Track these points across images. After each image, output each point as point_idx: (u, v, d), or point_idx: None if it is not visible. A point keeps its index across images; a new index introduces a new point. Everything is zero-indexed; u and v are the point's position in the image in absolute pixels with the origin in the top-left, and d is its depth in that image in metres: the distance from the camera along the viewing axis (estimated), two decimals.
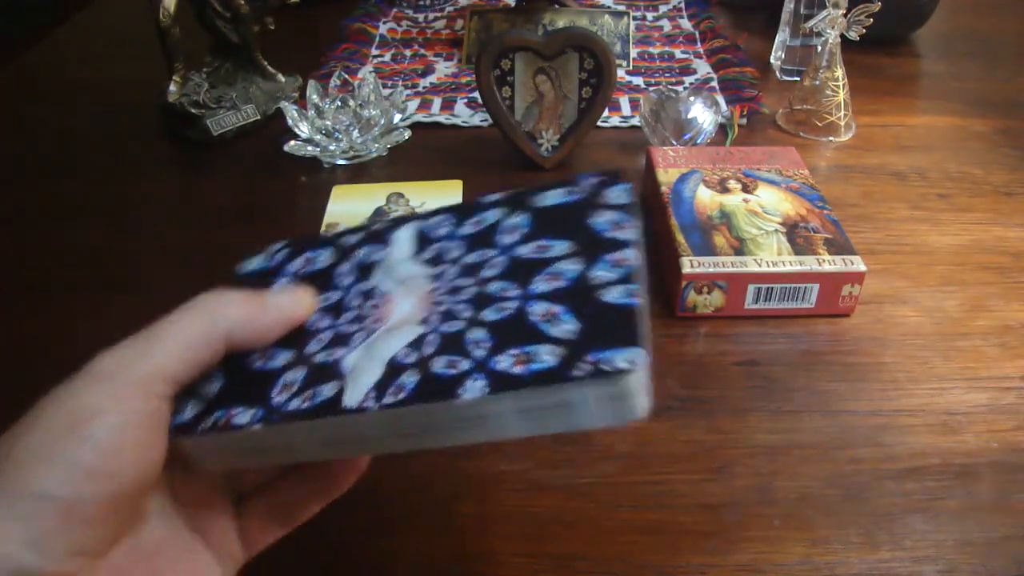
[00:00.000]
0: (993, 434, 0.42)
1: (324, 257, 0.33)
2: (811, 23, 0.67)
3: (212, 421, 0.27)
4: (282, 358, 0.28)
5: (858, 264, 0.49)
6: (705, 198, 0.54)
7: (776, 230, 0.51)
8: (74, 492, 0.23)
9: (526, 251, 0.29)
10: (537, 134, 0.65)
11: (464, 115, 0.74)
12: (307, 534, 0.31)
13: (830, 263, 0.48)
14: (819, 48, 0.68)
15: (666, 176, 0.57)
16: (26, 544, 0.22)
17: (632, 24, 0.86)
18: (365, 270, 0.31)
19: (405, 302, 0.29)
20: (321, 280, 0.32)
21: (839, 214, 0.53)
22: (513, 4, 0.90)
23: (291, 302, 0.30)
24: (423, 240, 0.31)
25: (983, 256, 0.56)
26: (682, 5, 0.99)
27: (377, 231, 0.33)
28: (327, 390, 0.26)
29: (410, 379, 0.25)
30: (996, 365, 0.47)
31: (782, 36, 0.80)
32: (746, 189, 0.55)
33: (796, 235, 0.51)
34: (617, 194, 0.32)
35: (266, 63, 0.75)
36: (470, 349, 0.25)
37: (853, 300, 0.50)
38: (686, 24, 0.94)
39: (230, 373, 0.28)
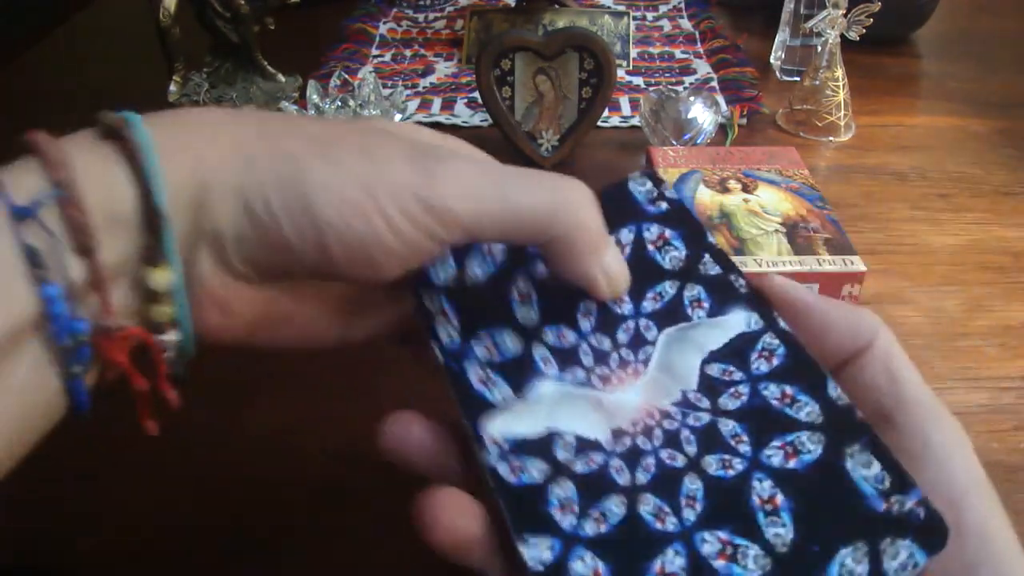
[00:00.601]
0: (993, 434, 0.42)
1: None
2: (811, 23, 0.67)
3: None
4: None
5: (858, 264, 0.49)
6: (705, 198, 0.54)
7: (776, 230, 0.51)
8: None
9: (772, 393, 0.24)
10: (537, 134, 0.65)
11: (464, 115, 0.74)
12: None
13: (830, 263, 0.48)
14: (819, 48, 0.68)
15: (666, 176, 0.57)
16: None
17: (632, 24, 0.86)
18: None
19: (636, 389, 0.25)
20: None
21: (839, 214, 0.53)
22: (513, 4, 0.90)
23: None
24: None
25: (983, 256, 0.56)
26: (682, 5, 0.99)
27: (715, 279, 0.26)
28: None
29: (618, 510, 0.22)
30: (996, 365, 0.47)
31: (782, 36, 0.80)
32: (746, 189, 0.55)
33: (796, 235, 0.51)
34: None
35: (266, 63, 0.75)
36: (683, 505, 0.22)
37: (853, 300, 0.50)
38: (686, 24, 0.94)
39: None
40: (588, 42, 0.61)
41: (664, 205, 0.27)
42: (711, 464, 0.23)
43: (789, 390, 0.23)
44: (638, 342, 0.25)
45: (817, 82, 0.69)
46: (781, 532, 0.21)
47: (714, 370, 0.24)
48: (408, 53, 0.87)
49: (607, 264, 0.25)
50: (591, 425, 0.24)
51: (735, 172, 0.57)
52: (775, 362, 0.24)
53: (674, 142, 0.66)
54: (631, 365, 0.25)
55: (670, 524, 0.22)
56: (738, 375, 0.24)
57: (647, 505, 0.22)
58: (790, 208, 0.53)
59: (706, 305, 0.25)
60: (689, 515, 0.22)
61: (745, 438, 0.23)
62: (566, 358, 0.25)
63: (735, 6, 0.98)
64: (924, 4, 0.85)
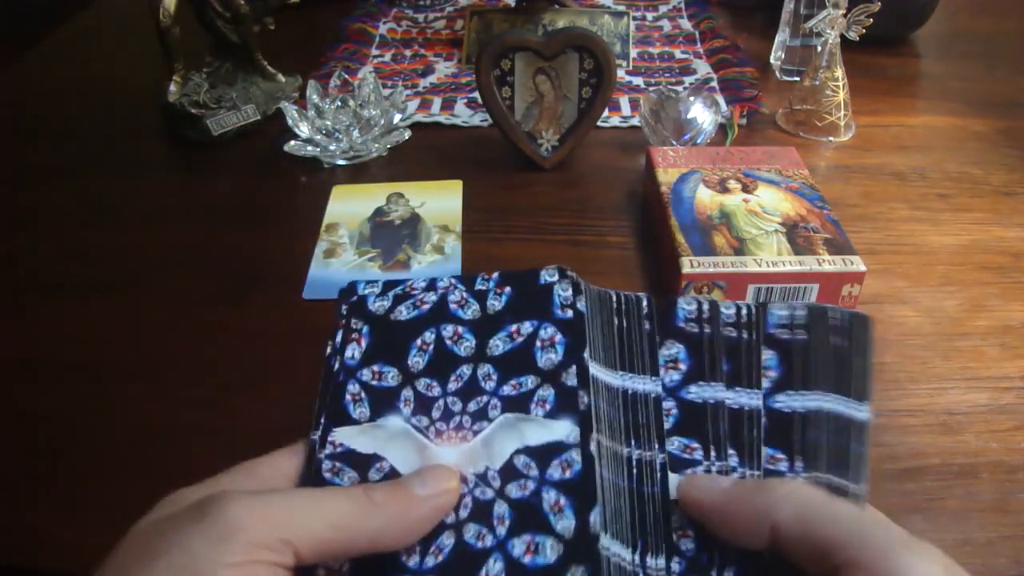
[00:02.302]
0: (993, 434, 0.42)
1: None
2: (811, 23, 0.67)
3: None
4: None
5: (858, 264, 0.49)
6: (705, 198, 0.54)
7: (776, 230, 0.51)
8: None
9: (549, 498, 0.27)
10: (537, 134, 0.65)
11: (464, 115, 0.74)
12: None
13: (830, 263, 0.48)
14: (819, 48, 0.68)
15: (666, 176, 0.57)
16: None
17: (632, 24, 0.86)
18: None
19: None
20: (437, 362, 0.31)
21: (839, 214, 0.53)
22: (513, 4, 0.90)
23: (444, 497, 0.27)
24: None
25: (983, 256, 0.56)
26: (682, 5, 0.99)
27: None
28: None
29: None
30: (996, 365, 0.47)
31: (782, 36, 0.80)
32: (746, 189, 0.55)
33: (796, 235, 0.51)
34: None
35: (266, 63, 0.75)
36: (495, 525, 0.26)
37: (853, 300, 0.50)
38: (686, 24, 0.94)
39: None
40: (588, 42, 0.61)
41: (570, 313, 0.30)
42: (469, 532, 0.26)
43: (560, 500, 0.26)
44: (481, 416, 0.29)
45: (817, 82, 0.69)
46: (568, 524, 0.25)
47: (519, 461, 0.27)
48: (408, 53, 0.87)
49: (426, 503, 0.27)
50: (407, 463, 0.28)
51: (735, 172, 0.57)
52: (567, 475, 0.27)
53: (674, 142, 0.66)
54: (464, 431, 0.28)
55: (412, 561, 0.26)
56: (533, 471, 0.27)
57: (471, 532, 0.26)
58: (790, 208, 0.53)
59: (548, 407, 0.28)
60: (428, 562, 0.26)
61: (508, 523, 0.26)
62: (423, 405, 0.29)
63: (735, 6, 0.98)
64: (924, 4, 0.85)
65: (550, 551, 0.25)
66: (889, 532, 0.24)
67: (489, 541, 0.26)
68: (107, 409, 0.45)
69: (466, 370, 0.30)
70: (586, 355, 0.29)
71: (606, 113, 0.72)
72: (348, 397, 0.30)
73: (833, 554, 0.23)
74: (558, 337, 0.30)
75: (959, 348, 0.48)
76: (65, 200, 0.64)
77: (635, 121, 0.72)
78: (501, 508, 0.27)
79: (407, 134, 0.70)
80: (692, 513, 0.27)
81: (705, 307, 0.31)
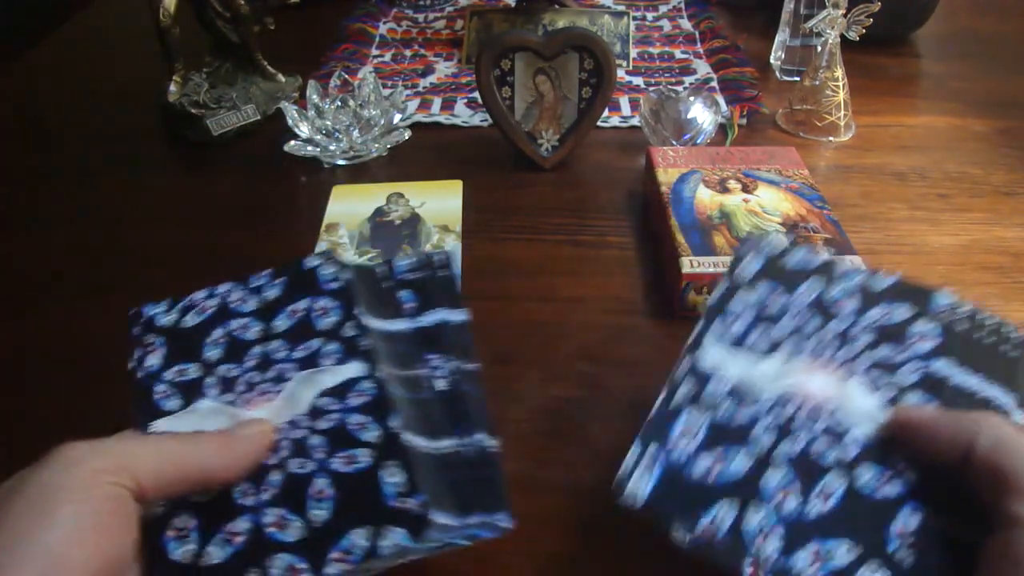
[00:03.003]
0: None
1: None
2: (811, 23, 0.67)
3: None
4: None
5: (858, 264, 0.49)
6: (705, 198, 0.54)
7: (776, 230, 0.51)
8: None
9: (353, 420, 0.32)
10: (537, 134, 0.65)
11: (464, 115, 0.74)
12: None
13: None
14: (819, 48, 0.68)
15: (666, 176, 0.57)
16: None
17: (632, 24, 0.86)
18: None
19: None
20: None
21: (839, 214, 0.53)
22: (513, 4, 0.90)
23: (259, 432, 0.31)
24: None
25: (983, 256, 0.56)
26: (682, 5, 0.99)
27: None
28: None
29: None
30: None
31: (782, 36, 0.80)
32: (746, 189, 0.55)
33: (796, 235, 0.51)
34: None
35: (266, 63, 0.75)
36: (260, 489, 0.30)
37: None
38: (686, 24, 0.94)
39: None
40: (588, 42, 0.61)
41: (334, 284, 0.36)
42: (292, 464, 0.31)
43: (363, 419, 0.31)
44: (280, 379, 0.33)
45: (817, 82, 0.69)
46: (320, 514, 0.29)
47: (321, 402, 0.32)
48: (408, 53, 0.88)
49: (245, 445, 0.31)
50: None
51: (735, 172, 0.57)
52: (363, 400, 0.32)
53: (674, 142, 0.66)
54: (268, 394, 0.33)
55: (249, 500, 0.30)
56: (335, 406, 0.32)
57: (239, 486, 0.30)
58: (790, 208, 0.53)
59: (336, 357, 0.34)
60: (263, 496, 0.30)
61: (324, 449, 0.31)
62: (227, 385, 0.34)
63: (735, 6, 0.98)
64: (924, 4, 0.85)
65: (366, 457, 0.30)
66: None
67: (311, 466, 0.30)
68: (107, 409, 0.45)
69: (258, 349, 0.34)
70: (357, 311, 0.35)
71: (606, 113, 0.72)
72: (157, 396, 0.34)
73: (1011, 482, 0.26)
74: (330, 304, 0.35)
75: None
76: (65, 200, 0.64)
77: (635, 121, 0.72)
78: (315, 440, 0.31)
79: (407, 134, 0.70)
80: (900, 432, 0.30)
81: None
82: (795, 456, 0.30)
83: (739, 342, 0.34)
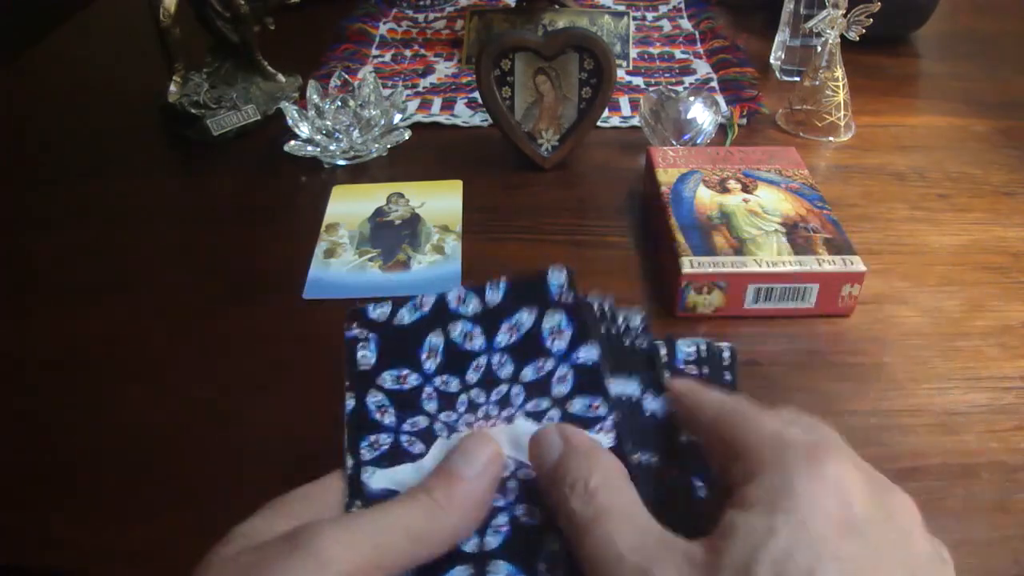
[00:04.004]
0: (993, 434, 0.42)
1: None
2: (811, 23, 0.67)
3: None
4: None
5: (858, 264, 0.49)
6: (705, 198, 0.54)
7: (776, 230, 0.51)
8: None
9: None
10: (537, 134, 0.65)
11: (464, 115, 0.74)
12: None
13: (830, 263, 0.48)
14: (819, 48, 0.68)
15: (666, 176, 0.57)
16: None
17: (632, 24, 0.86)
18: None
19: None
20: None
21: (839, 214, 0.53)
22: (513, 4, 0.90)
23: (492, 466, 0.27)
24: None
25: (983, 256, 0.56)
26: (682, 5, 0.99)
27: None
28: None
29: None
30: (996, 365, 0.47)
31: (782, 36, 0.80)
32: (746, 189, 0.55)
33: (796, 235, 0.51)
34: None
35: (266, 63, 0.75)
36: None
37: (853, 300, 0.50)
38: (686, 24, 0.94)
39: None
40: (588, 42, 0.61)
41: (570, 298, 0.31)
42: (519, 510, 0.27)
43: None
44: (504, 403, 0.29)
45: (817, 82, 0.69)
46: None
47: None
48: (408, 53, 0.87)
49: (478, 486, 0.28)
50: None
51: (735, 172, 0.57)
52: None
53: (674, 142, 0.66)
54: (492, 419, 0.29)
55: (471, 547, 0.26)
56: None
57: None
58: (790, 208, 0.53)
59: (568, 385, 0.29)
60: (489, 545, 0.26)
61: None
62: (447, 402, 0.29)
63: (735, 6, 0.98)
64: (924, 4, 0.85)
65: None
66: (793, 451, 0.24)
67: (540, 517, 0.26)
68: (107, 410, 0.45)
69: (481, 361, 0.30)
70: (592, 343, 0.30)
71: (606, 113, 0.72)
72: (372, 409, 0.30)
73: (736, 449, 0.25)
74: (565, 323, 0.30)
75: (959, 348, 0.48)
76: (65, 200, 0.64)
77: (635, 121, 0.72)
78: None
79: (407, 134, 0.70)
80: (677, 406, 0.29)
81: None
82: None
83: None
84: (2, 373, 0.47)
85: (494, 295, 0.31)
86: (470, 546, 0.26)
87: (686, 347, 0.32)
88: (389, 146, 0.69)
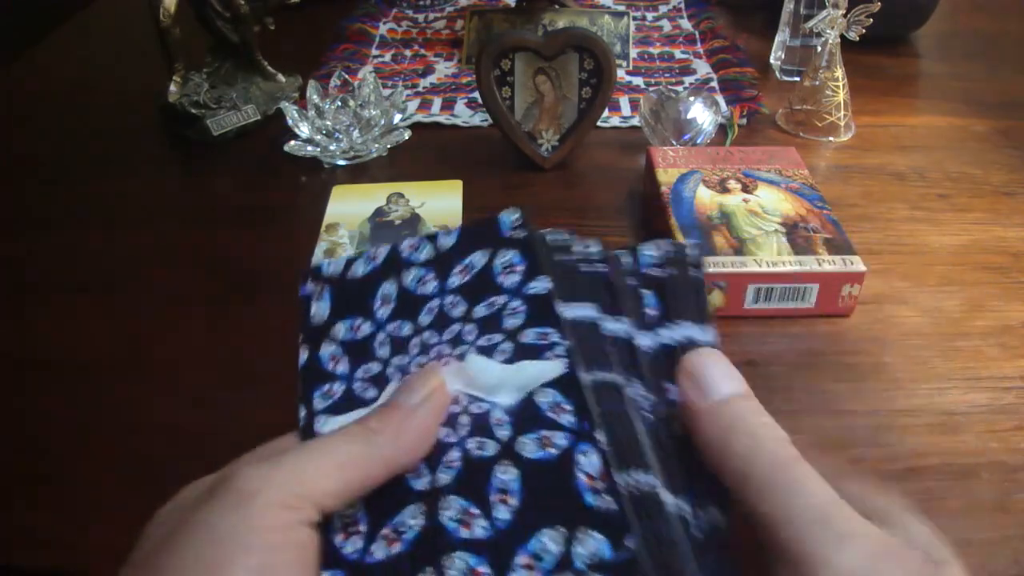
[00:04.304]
0: (993, 434, 0.42)
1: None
2: (811, 23, 0.67)
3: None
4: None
5: (858, 264, 0.49)
6: (705, 198, 0.54)
7: (776, 230, 0.51)
8: None
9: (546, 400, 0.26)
10: (537, 134, 0.65)
11: (464, 115, 0.74)
12: None
13: (830, 263, 0.48)
14: (819, 48, 0.68)
15: (666, 176, 0.57)
16: None
17: (632, 24, 0.86)
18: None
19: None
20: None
21: (839, 214, 0.53)
22: (513, 4, 0.90)
23: (435, 397, 0.26)
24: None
25: (983, 256, 0.56)
26: (682, 5, 0.99)
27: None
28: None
29: None
30: (996, 365, 0.47)
31: (782, 36, 0.80)
32: (746, 189, 0.55)
33: (796, 235, 0.51)
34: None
35: (266, 63, 0.75)
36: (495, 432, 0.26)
37: (853, 300, 0.50)
38: (686, 24, 0.94)
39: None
40: (588, 42, 0.61)
41: (519, 235, 0.30)
42: (471, 444, 0.26)
43: (563, 404, 0.26)
44: (457, 342, 0.28)
45: (817, 82, 0.69)
46: (504, 509, 0.24)
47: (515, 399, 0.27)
48: (408, 53, 0.87)
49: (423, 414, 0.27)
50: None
51: (735, 172, 0.57)
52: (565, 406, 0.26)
53: (674, 142, 0.66)
54: (445, 358, 0.28)
55: (421, 483, 0.26)
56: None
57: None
58: (790, 208, 0.53)
59: (521, 316, 0.28)
60: (441, 479, 0.25)
61: (508, 428, 0.26)
62: (399, 346, 0.29)
63: (735, 6, 0.98)
64: (924, 4, 0.85)
65: (562, 440, 0.25)
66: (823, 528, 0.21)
67: (492, 449, 0.26)
68: (106, 409, 0.45)
69: (433, 304, 0.30)
70: (544, 283, 0.29)
71: (606, 113, 0.72)
72: (326, 359, 0.30)
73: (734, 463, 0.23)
74: (516, 259, 0.29)
75: (959, 348, 0.48)
76: (65, 200, 0.64)
77: (635, 121, 0.72)
78: (498, 414, 0.26)
79: (407, 134, 0.70)
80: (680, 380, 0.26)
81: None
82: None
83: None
84: (2, 373, 0.47)
85: (447, 240, 0.31)
86: (421, 483, 0.26)
87: (648, 251, 0.30)
88: (389, 146, 0.69)
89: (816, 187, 0.56)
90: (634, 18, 0.91)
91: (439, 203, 0.61)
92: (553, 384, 0.26)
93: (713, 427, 0.24)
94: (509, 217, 0.30)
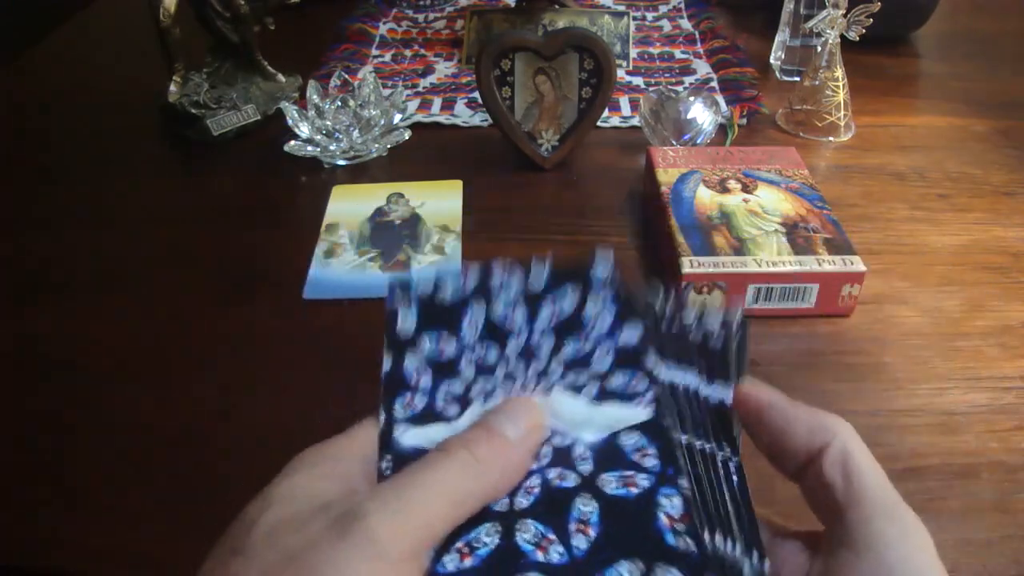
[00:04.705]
0: (993, 434, 0.42)
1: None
2: (811, 23, 0.67)
3: None
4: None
5: (858, 264, 0.49)
6: (705, 198, 0.54)
7: (776, 230, 0.51)
8: None
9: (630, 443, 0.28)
10: (537, 134, 0.65)
11: (464, 115, 0.74)
12: None
13: (830, 263, 0.48)
14: (819, 48, 0.68)
15: (666, 176, 0.57)
16: None
17: (632, 24, 0.86)
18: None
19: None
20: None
21: (839, 214, 0.53)
22: (513, 4, 0.90)
23: (535, 435, 0.27)
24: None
25: (983, 256, 0.56)
26: (682, 5, 0.99)
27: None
28: None
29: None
30: (996, 365, 0.47)
31: (782, 36, 0.80)
32: (746, 189, 0.55)
33: (796, 235, 0.51)
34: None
35: (266, 63, 0.75)
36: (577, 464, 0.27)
37: (853, 300, 0.50)
38: (686, 24, 0.94)
39: None
40: (588, 42, 0.61)
41: (615, 282, 0.30)
42: (551, 473, 0.27)
43: (645, 444, 0.27)
44: (543, 375, 0.29)
45: (817, 82, 0.69)
46: (582, 544, 0.25)
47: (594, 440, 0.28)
48: (408, 53, 0.87)
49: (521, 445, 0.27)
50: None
51: (735, 172, 0.57)
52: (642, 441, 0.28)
53: (674, 142, 0.66)
54: (528, 391, 0.29)
55: (501, 506, 0.26)
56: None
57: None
58: (790, 208, 0.53)
59: (609, 361, 0.29)
60: (521, 504, 0.26)
61: (591, 465, 0.27)
62: (484, 371, 0.29)
63: (735, 6, 0.98)
64: (924, 4, 0.85)
65: (644, 482, 0.26)
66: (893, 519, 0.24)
67: (572, 480, 0.26)
68: (107, 409, 0.45)
69: (521, 338, 0.30)
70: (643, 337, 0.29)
71: (606, 113, 0.72)
72: (408, 373, 0.30)
73: (851, 499, 0.24)
74: (606, 303, 0.30)
75: (959, 348, 0.48)
76: (65, 200, 0.64)
77: (635, 121, 0.72)
78: (581, 449, 0.27)
79: (407, 134, 0.70)
80: (749, 412, 0.28)
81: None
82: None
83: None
84: (3, 373, 0.47)
85: (538, 280, 0.31)
86: (499, 505, 0.26)
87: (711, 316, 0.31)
88: (389, 146, 0.69)
89: (816, 187, 0.56)
90: (634, 18, 0.92)
91: (439, 203, 0.61)
92: (638, 427, 0.27)
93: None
94: (604, 263, 0.30)
